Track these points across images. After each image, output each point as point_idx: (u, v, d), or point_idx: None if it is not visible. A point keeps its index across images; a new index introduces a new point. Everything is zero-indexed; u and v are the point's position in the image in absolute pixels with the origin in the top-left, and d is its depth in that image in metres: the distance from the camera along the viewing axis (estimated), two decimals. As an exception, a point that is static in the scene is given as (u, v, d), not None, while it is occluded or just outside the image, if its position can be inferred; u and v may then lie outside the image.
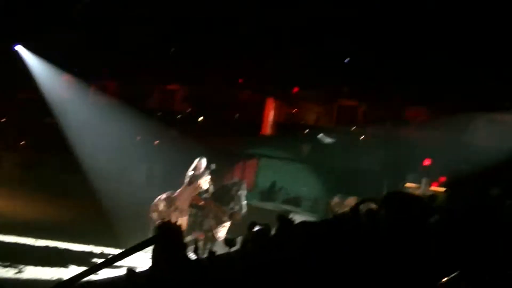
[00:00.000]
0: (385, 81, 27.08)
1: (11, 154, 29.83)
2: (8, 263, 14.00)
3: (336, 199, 23.46)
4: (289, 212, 22.22)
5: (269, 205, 27.86)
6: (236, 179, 20.25)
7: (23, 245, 16.71)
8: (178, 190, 17.24)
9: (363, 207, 9.20)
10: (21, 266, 13.95)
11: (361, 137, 30.23)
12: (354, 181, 27.31)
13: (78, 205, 24.25)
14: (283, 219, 7.93)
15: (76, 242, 17.30)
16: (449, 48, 24.44)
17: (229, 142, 31.28)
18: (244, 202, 16.18)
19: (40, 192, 26.72)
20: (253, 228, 8.72)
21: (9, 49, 30.75)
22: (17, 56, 30.69)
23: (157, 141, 32.74)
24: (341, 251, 4.71)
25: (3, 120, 33.22)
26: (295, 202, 29.72)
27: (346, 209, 15.79)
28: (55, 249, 16.69)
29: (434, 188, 26.18)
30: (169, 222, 9.67)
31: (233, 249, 9.19)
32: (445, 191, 24.39)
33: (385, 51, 26.06)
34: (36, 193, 26.36)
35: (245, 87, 33.86)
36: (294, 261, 4.90)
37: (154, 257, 7.01)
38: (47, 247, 16.75)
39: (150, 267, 6.93)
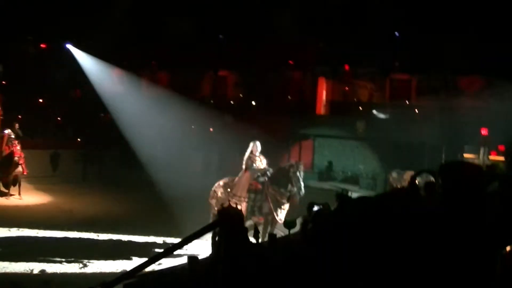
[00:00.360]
0: (436, 52, 26.73)
1: (69, 151, 30.16)
2: (72, 259, 14.19)
3: (394, 174, 23.28)
4: (348, 190, 22.12)
5: (327, 185, 27.82)
6: (292, 160, 20.17)
7: (87, 240, 16.92)
8: (237, 177, 17.21)
9: (421, 180, 9.05)
10: (86, 261, 14.13)
11: (416, 111, 29.96)
12: (411, 155, 27.07)
13: (138, 197, 24.50)
14: (343, 197, 7.86)
15: (138, 234, 17.46)
16: (502, 14, 24.10)
17: (284, 124, 31.28)
18: (302, 184, 16.05)
19: (100, 187, 27.08)
20: (312, 208, 8.66)
21: (61, 48, 31.23)
22: (68, 55, 31.12)
23: (212, 129, 32.86)
24: (400, 225, 4.65)
25: (59, 118, 33.67)
26: (353, 180, 29.65)
27: (405, 183, 15.62)
28: (118, 242, 16.86)
29: (493, 157, 25.83)
30: (229, 206, 9.64)
31: (293, 231, 9.15)
32: (504, 160, 24.06)
33: (435, 22, 25.75)
34: (96, 188, 26.72)
35: (296, 68, 33.81)
36: (355, 238, 4.86)
37: (214, 243, 7.01)
38: (110, 241, 16.93)
39: (211, 253, 6.94)
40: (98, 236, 17.24)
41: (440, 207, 4.91)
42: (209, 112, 31.76)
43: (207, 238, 15.56)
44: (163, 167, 27.85)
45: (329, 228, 5.58)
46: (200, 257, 7.12)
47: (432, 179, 8.28)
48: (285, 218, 14.71)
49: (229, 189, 16.75)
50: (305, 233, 7.62)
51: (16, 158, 22.70)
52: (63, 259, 14.09)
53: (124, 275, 6.34)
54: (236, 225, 6.90)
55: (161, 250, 8.34)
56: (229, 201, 15.78)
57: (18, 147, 22.95)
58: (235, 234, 6.66)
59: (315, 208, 8.40)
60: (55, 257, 14.26)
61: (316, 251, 5.41)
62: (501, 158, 24.44)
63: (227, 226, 6.74)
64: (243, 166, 16.83)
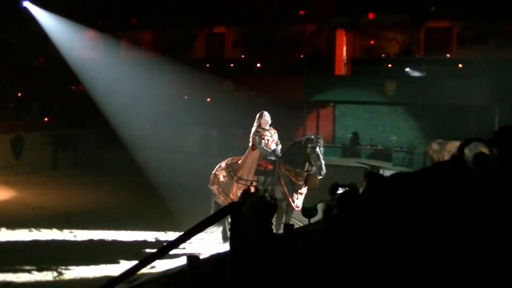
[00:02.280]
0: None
1: (35, 133, 30.01)
2: (45, 266, 14.13)
3: (434, 146, 23.29)
4: (378, 167, 22.09)
5: (352, 162, 27.79)
6: (309, 133, 20.13)
7: (61, 241, 16.88)
8: (242, 156, 17.16)
9: (469, 151, 9.02)
10: (61, 267, 14.06)
11: (459, 66, 29.80)
12: (455, 121, 26.99)
13: (122, 186, 24.55)
14: (372, 176, 7.84)
15: (124, 231, 17.45)
16: None
17: (296, 89, 31.16)
18: (323, 162, 16.00)
19: (75, 176, 27.17)
20: (336, 191, 8.67)
21: (16, 7, 30.99)
22: (26, 15, 30.92)
23: (209, 99, 32.80)
24: (446, 206, 4.63)
25: (19, 94, 33.51)
26: (384, 155, 29.56)
27: (448, 156, 15.57)
28: (100, 242, 16.82)
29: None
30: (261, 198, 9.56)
31: (314, 219, 9.16)
32: None
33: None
34: (70, 178, 26.81)
35: (309, 20, 33.65)
36: (390, 226, 4.84)
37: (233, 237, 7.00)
38: (90, 241, 16.89)
39: (230, 249, 6.95)
40: (75, 236, 17.23)
41: (497, 184, 4.88)
42: (204, 78, 31.64)
43: (211, 231, 15.71)
44: (152, 147, 27.90)
45: (358, 215, 5.56)
46: (201, 257, 7.14)
47: (484, 149, 8.26)
48: (303, 205, 14.68)
49: (233, 172, 16.69)
50: (328, 221, 7.62)
51: None
52: (33, 267, 14.03)
53: (110, 282, 6.33)
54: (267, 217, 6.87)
55: (154, 250, 8.34)
56: (233, 186, 15.74)
57: None
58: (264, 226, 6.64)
59: (340, 190, 8.42)
60: (23, 264, 14.21)
61: (342, 243, 5.39)
62: None
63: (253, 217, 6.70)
64: (250, 143, 16.77)
